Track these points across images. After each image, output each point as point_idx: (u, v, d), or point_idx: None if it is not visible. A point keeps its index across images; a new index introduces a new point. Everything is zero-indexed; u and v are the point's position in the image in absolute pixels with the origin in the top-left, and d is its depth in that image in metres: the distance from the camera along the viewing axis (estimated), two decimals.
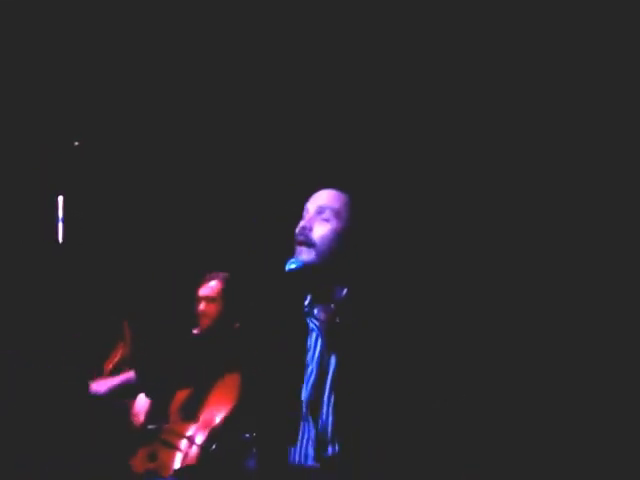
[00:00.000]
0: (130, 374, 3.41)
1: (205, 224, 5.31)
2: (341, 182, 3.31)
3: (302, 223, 3.17)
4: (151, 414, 4.57)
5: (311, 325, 3.22)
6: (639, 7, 4.29)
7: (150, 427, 4.43)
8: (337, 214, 3.16)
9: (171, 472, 4.28)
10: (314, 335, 3.20)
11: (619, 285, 4.36)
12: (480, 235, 4.56)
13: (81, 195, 5.16)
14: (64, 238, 4.95)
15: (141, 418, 4.57)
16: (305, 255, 3.13)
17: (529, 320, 4.44)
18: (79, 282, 5.22)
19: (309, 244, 3.13)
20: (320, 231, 3.14)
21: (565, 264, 4.44)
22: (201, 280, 4.80)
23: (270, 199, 5.01)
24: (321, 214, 3.16)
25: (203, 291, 4.76)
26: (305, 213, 3.20)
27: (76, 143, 5.09)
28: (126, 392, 3.46)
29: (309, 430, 3.14)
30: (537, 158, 4.52)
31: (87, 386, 3.41)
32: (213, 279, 4.78)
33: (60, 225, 4.93)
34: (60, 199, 4.95)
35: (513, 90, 4.54)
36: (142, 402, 4.62)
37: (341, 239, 3.15)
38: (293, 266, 3.13)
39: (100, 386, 3.41)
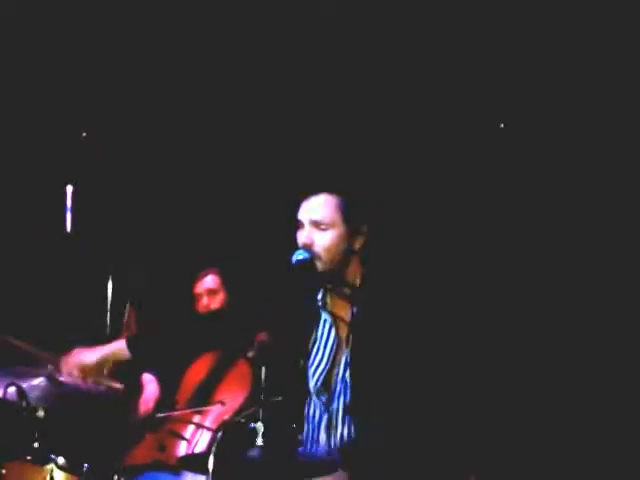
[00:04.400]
0: (119, 343, 3.35)
1: (209, 214, 5.33)
2: (332, 179, 3.32)
3: (302, 239, 3.18)
4: (160, 402, 4.58)
5: (324, 316, 3.25)
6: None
7: (159, 415, 4.43)
8: (332, 223, 3.17)
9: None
10: (327, 325, 3.24)
11: (619, 285, 4.36)
12: (483, 224, 4.57)
13: (89, 185, 5.19)
14: (72, 228, 4.97)
15: (150, 405, 4.58)
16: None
17: (530, 310, 4.45)
18: (86, 269, 5.24)
19: (315, 258, 3.15)
20: (321, 242, 3.16)
21: (574, 263, 4.44)
22: (196, 278, 4.81)
23: (270, 192, 5.02)
24: (318, 227, 3.18)
25: (202, 286, 4.77)
26: (301, 227, 3.21)
27: (84, 134, 5.11)
28: (116, 362, 3.40)
29: (320, 415, 3.19)
30: (537, 157, 4.52)
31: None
32: (209, 274, 4.79)
33: (69, 214, 4.96)
34: (69, 189, 4.98)
35: (510, 89, 4.53)
36: (152, 390, 4.63)
37: (344, 242, 3.18)
38: (300, 257, 3.15)
39: (87, 355, 3.33)
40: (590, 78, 4.40)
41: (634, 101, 4.35)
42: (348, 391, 3.14)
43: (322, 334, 3.24)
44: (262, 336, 4.15)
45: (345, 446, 3.12)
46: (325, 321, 3.25)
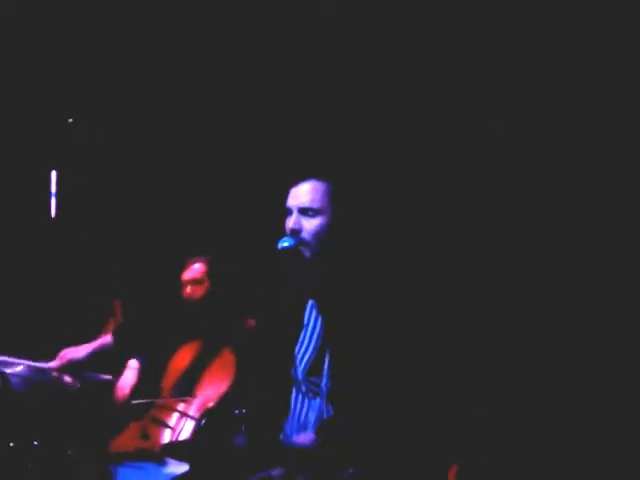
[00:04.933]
0: (106, 338, 3.46)
1: (195, 204, 5.31)
2: (321, 166, 3.31)
3: (290, 224, 3.16)
4: (137, 388, 4.57)
5: (310, 303, 3.24)
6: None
7: (134, 402, 4.42)
8: (321, 210, 3.15)
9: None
10: (314, 313, 3.23)
11: (620, 285, 4.36)
12: (472, 216, 4.56)
13: (74, 171, 5.16)
14: (57, 213, 4.95)
15: (126, 392, 4.57)
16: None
17: (519, 304, 4.45)
18: (71, 257, 5.22)
19: (302, 244, 3.14)
20: (310, 228, 3.15)
21: (559, 260, 4.44)
22: (184, 265, 4.79)
23: (257, 180, 5.00)
24: (306, 213, 3.16)
25: (187, 274, 4.75)
26: (289, 213, 3.19)
27: (70, 120, 5.08)
28: (103, 356, 3.49)
29: (305, 403, 3.18)
30: (530, 154, 4.51)
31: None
32: (196, 262, 4.77)
33: (53, 200, 4.93)
34: (53, 174, 4.96)
35: (505, 86, 4.52)
36: (129, 377, 4.63)
37: (332, 230, 3.16)
38: (286, 244, 3.14)
39: (77, 352, 3.46)
40: (589, 78, 4.39)
41: (634, 101, 4.35)
42: (331, 371, 3.13)
43: (308, 322, 3.23)
44: (249, 323, 4.17)
45: (327, 423, 3.11)
46: (312, 308, 3.24)
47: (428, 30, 4.60)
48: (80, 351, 3.49)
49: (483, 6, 4.53)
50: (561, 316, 4.36)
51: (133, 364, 4.70)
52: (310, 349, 3.20)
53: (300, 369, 3.21)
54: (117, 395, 4.53)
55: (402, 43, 4.67)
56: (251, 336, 3.47)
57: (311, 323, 3.22)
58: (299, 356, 3.22)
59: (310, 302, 3.25)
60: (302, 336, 3.23)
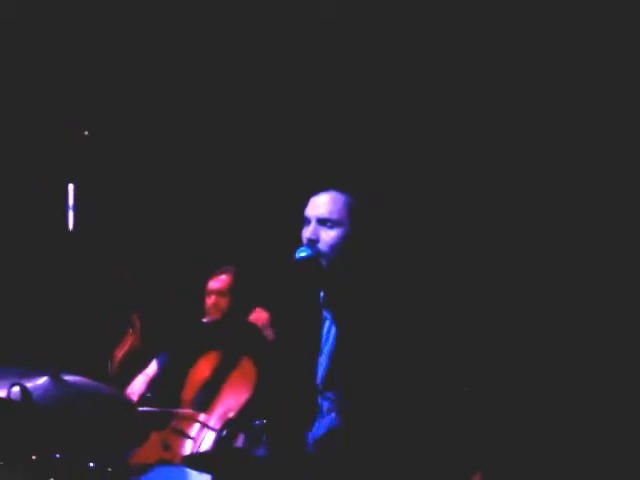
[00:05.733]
0: (153, 367, 3.46)
1: (214, 216, 5.31)
2: (340, 179, 3.30)
3: (307, 234, 3.16)
4: (155, 396, 4.59)
5: (325, 314, 3.24)
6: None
7: (141, 409, 4.41)
8: (339, 221, 3.15)
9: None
10: (328, 323, 3.23)
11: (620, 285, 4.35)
12: (487, 228, 4.56)
13: (92, 184, 5.18)
14: (75, 226, 4.96)
15: (134, 398, 4.58)
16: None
17: (521, 305, 4.44)
18: (89, 270, 5.23)
19: (319, 255, 3.13)
20: (328, 240, 3.14)
21: (558, 258, 4.43)
22: (211, 274, 4.80)
23: (276, 193, 5.00)
24: (324, 224, 3.16)
25: (214, 284, 4.77)
26: (307, 223, 3.19)
27: (86, 132, 5.10)
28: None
29: (326, 413, 3.18)
30: (538, 158, 4.51)
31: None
32: (223, 273, 4.78)
33: (71, 213, 4.95)
34: (71, 187, 4.97)
35: (512, 91, 4.52)
36: (138, 383, 4.65)
37: (349, 242, 3.16)
38: (303, 254, 3.13)
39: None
40: (590, 78, 4.39)
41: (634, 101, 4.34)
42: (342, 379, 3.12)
43: (325, 333, 3.23)
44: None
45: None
46: (326, 320, 3.24)
47: (445, 45, 4.60)
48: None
49: (483, 8, 4.52)
50: (573, 319, 4.36)
51: (150, 370, 4.72)
52: (325, 361, 3.19)
53: (319, 381, 3.21)
54: None
55: (420, 54, 4.66)
56: (268, 344, 3.47)
57: (324, 336, 3.22)
58: (319, 368, 3.22)
59: (325, 314, 3.24)
60: (322, 348, 3.23)
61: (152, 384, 4.68)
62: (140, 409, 4.38)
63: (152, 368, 4.76)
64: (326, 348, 3.20)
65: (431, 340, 3.15)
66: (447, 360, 3.17)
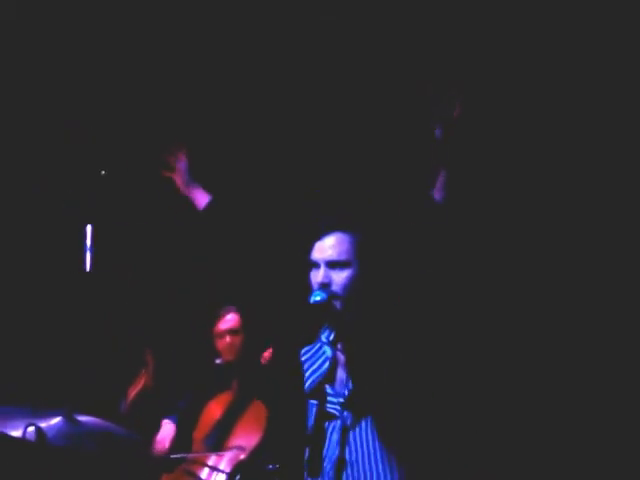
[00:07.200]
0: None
1: (227, 255, 5.32)
2: (344, 217, 3.31)
3: (319, 279, 3.16)
4: (176, 442, 4.59)
5: (328, 352, 3.23)
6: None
7: (174, 456, 4.43)
8: (348, 262, 3.16)
9: None
10: (327, 363, 3.23)
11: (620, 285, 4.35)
12: (497, 263, 4.56)
13: (109, 224, 5.20)
14: (92, 267, 4.99)
15: (166, 445, 4.58)
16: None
17: (524, 308, 4.43)
18: (106, 310, 5.25)
19: (334, 297, 3.13)
20: (339, 281, 3.15)
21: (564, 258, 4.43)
22: (216, 316, 4.81)
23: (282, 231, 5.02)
24: (334, 267, 3.16)
25: (224, 325, 4.76)
26: (315, 266, 3.19)
27: (103, 172, 5.14)
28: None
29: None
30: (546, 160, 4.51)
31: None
32: (229, 312, 4.78)
33: (88, 254, 4.98)
34: (89, 228, 5.00)
35: (513, 93, 4.53)
36: (167, 430, 4.64)
37: (360, 281, 3.17)
38: (318, 298, 3.14)
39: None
40: (589, 78, 4.40)
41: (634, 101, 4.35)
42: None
43: (322, 364, 3.25)
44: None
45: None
46: (326, 358, 3.25)
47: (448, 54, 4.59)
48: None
49: (483, 9, 4.54)
50: (573, 319, 4.35)
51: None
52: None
53: None
54: (156, 449, 4.55)
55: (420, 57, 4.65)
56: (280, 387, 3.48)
57: (317, 368, 3.24)
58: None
59: (327, 352, 3.25)
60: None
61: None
62: (173, 456, 4.41)
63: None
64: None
65: (446, 375, 3.16)
66: (462, 392, 3.18)
